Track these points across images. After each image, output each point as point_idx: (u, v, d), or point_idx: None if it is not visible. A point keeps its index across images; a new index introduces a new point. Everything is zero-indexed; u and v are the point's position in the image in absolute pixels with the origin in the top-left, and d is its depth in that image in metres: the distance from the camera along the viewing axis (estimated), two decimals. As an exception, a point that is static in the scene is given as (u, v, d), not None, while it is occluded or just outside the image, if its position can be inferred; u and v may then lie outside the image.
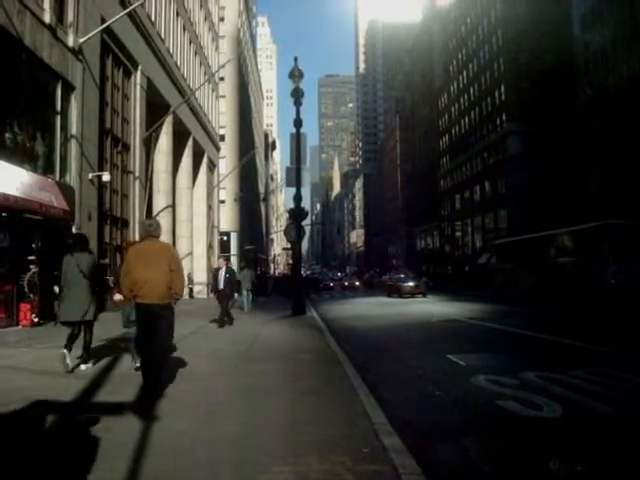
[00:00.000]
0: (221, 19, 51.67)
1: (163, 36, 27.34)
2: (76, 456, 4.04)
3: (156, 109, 25.52)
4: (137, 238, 21.69)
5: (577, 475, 3.86)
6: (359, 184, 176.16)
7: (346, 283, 63.44)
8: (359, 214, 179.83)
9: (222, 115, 50.91)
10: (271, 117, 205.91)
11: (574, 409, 5.47)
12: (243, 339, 11.50)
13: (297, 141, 19.64)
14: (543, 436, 4.71)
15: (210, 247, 38.97)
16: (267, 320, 16.50)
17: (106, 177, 18.69)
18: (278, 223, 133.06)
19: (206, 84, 37.18)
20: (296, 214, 19.60)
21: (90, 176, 17.86)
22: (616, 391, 6.25)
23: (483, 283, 39.65)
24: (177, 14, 30.54)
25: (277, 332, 13.17)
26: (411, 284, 33.97)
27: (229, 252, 46.26)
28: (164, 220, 26.63)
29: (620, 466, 4.06)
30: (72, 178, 16.99)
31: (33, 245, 14.91)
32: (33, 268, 14.55)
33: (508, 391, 6.28)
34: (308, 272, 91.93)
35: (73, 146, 17.04)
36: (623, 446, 4.49)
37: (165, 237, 24.38)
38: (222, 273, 14.69)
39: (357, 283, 62.69)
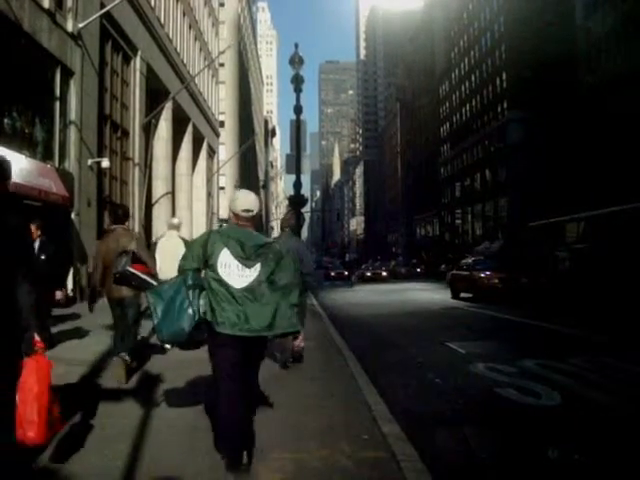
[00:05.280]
0: (221, 4, 51.20)
1: (163, 21, 27.12)
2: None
3: (156, 95, 25.35)
4: (137, 225, 21.69)
5: (574, 464, 3.88)
6: (359, 171, 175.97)
7: (368, 274, 51.35)
8: (359, 201, 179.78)
9: (222, 101, 50.61)
10: (271, 104, 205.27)
11: (573, 397, 5.50)
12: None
13: (297, 128, 19.53)
14: (542, 424, 4.73)
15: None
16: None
17: (105, 163, 18.58)
18: (278, 210, 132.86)
19: (206, 70, 36.92)
20: (296, 201, 19.51)
21: (89, 162, 17.76)
22: (614, 380, 6.27)
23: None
24: (177, -1, 30.29)
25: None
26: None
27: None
28: (163, 207, 26.59)
29: (617, 455, 4.08)
30: (71, 164, 16.91)
31: (32, 232, 14.82)
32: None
33: (507, 379, 6.30)
34: None
35: (72, 132, 16.94)
36: (622, 435, 4.52)
37: (163, 224, 24.33)
38: None
39: (384, 274, 51.08)
